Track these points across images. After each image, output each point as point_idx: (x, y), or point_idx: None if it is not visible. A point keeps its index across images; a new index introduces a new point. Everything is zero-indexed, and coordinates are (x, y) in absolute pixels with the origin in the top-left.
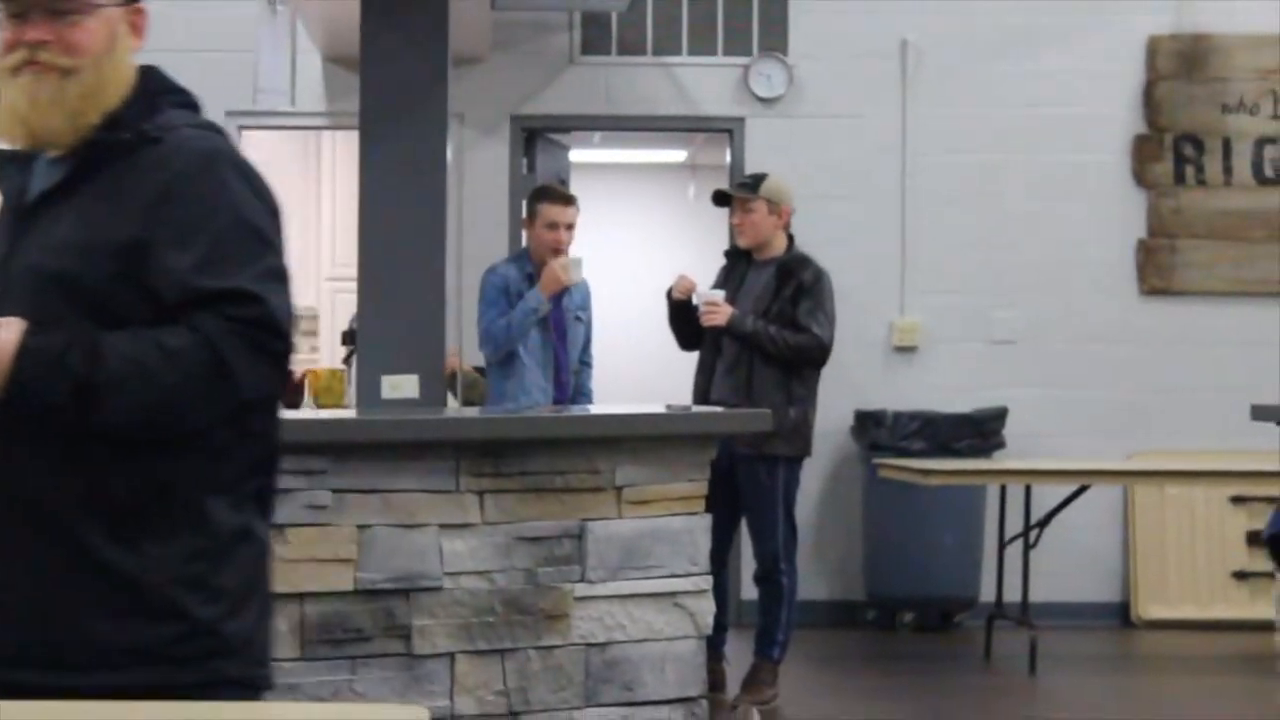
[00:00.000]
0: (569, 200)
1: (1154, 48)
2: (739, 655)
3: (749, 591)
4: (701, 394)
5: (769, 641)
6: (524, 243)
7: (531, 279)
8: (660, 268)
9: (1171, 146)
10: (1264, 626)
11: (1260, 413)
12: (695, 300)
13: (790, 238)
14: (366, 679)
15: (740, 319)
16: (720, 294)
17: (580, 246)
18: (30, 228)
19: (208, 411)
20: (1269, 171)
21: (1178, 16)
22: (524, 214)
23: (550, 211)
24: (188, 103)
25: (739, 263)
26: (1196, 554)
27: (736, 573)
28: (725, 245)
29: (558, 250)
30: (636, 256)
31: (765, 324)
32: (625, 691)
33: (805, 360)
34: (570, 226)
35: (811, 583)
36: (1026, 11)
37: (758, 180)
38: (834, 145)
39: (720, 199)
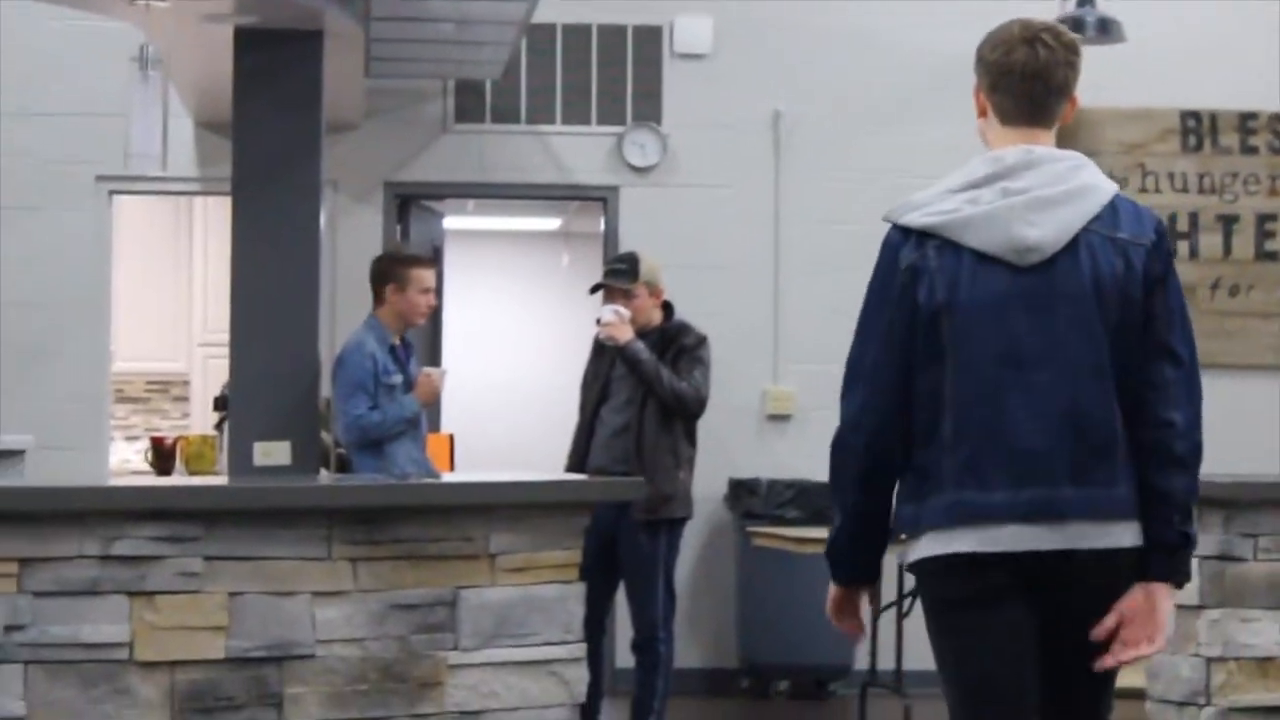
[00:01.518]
0: (433, 263)
1: None
2: None
3: (624, 658)
4: (578, 461)
5: (645, 710)
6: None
7: (394, 350)
8: (534, 334)
9: None
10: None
11: None
12: (599, 316)
13: (667, 306)
14: None
15: (637, 346)
16: (626, 313)
17: (454, 312)
18: None
19: None
20: None
21: None
22: (384, 281)
23: (424, 276)
24: None
25: None
26: None
27: (612, 639)
28: (598, 312)
29: (433, 313)
30: (510, 323)
31: (658, 361)
32: None
33: (682, 408)
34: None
35: (686, 651)
36: (897, 84)
37: (633, 264)
38: (707, 214)
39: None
